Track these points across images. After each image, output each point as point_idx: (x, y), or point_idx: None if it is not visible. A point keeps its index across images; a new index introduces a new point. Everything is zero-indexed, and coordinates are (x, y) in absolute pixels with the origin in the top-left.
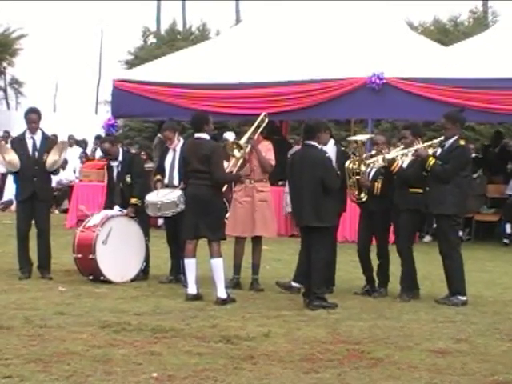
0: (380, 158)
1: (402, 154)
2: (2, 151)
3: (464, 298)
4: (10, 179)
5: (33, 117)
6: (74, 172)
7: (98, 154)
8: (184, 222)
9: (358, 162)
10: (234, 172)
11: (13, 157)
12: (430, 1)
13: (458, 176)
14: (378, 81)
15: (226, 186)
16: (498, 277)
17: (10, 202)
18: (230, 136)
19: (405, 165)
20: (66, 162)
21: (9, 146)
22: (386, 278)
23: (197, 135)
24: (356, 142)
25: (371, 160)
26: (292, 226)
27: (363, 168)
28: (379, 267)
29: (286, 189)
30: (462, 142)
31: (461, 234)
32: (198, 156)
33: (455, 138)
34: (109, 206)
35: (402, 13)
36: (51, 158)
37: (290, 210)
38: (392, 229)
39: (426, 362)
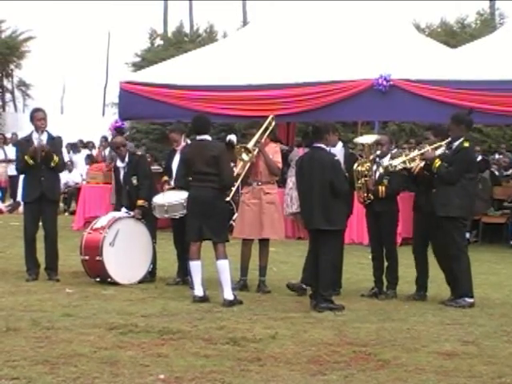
0: (399, 160)
1: (409, 159)
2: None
3: (471, 300)
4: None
5: (40, 114)
6: (81, 175)
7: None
8: (187, 224)
9: (370, 163)
10: (242, 176)
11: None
12: (437, 1)
13: (463, 178)
14: (385, 83)
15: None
16: (505, 279)
17: (17, 204)
18: (234, 138)
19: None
20: (71, 163)
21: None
22: (394, 279)
23: (200, 137)
24: (363, 144)
25: (390, 162)
26: (299, 229)
27: (373, 168)
28: (388, 269)
29: (286, 190)
30: (466, 144)
31: (468, 235)
32: (204, 158)
33: (461, 139)
34: (116, 207)
35: (409, 15)
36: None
37: (290, 211)
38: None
39: (433, 364)
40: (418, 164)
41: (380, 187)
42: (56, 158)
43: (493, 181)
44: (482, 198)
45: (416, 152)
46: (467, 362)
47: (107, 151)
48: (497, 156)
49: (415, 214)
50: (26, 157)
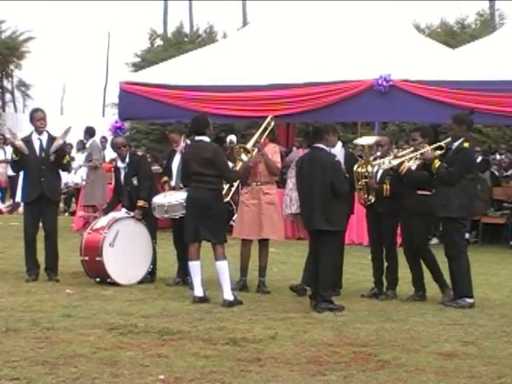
0: (387, 159)
1: (410, 158)
2: (13, 136)
3: (471, 301)
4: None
5: (40, 114)
6: (81, 176)
7: (108, 155)
8: (185, 224)
9: (366, 164)
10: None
11: (22, 144)
12: (437, 1)
13: (463, 179)
14: (384, 83)
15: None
16: (505, 279)
17: (17, 205)
18: (234, 138)
19: (414, 167)
20: (70, 164)
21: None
22: (394, 280)
23: (197, 138)
24: (362, 145)
25: (378, 161)
26: (299, 229)
27: (370, 169)
28: (388, 269)
29: (286, 191)
30: (466, 145)
31: (467, 236)
32: (198, 159)
33: (461, 140)
34: (111, 207)
35: (409, 15)
36: (55, 144)
37: (289, 211)
38: (399, 231)
39: (433, 364)
40: (406, 165)
41: (384, 186)
42: (67, 157)
43: (493, 181)
44: (481, 199)
45: (413, 153)
46: (467, 362)
47: (106, 151)
48: (498, 156)
49: (400, 214)
50: (12, 152)
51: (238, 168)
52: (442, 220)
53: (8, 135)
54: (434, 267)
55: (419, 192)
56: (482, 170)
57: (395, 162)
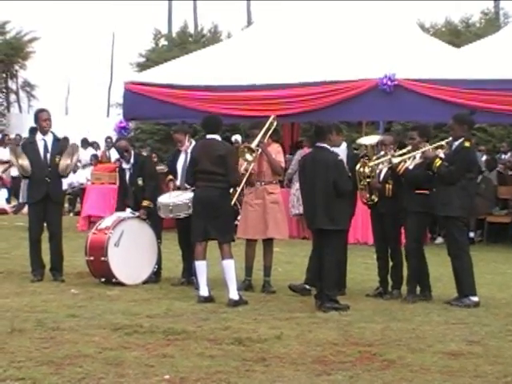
0: (386, 159)
1: (410, 157)
2: (16, 155)
3: (476, 299)
4: (25, 182)
5: (45, 114)
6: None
7: (113, 155)
8: (193, 224)
9: (368, 164)
10: (246, 176)
11: (25, 162)
12: (441, 0)
13: (463, 178)
14: (389, 82)
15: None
16: (510, 279)
17: (22, 205)
18: (239, 138)
19: (411, 166)
20: (77, 165)
21: (20, 150)
22: (399, 279)
23: (209, 136)
24: (366, 145)
25: (377, 162)
26: (304, 229)
27: (374, 170)
28: (392, 269)
29: (292, 190)
30: (466, 144)
31: (472, 235)
32: (210, 157)
33: (461, 139)
34: (120, 208)
35: (414, 14)
36: (63, 163)
37: (296, 212)
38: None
39: (439, 364)
40: (403, 165)
41: (387, 185)
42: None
43: (499, 180)
44: (485, 198)
45: (411, 152)
46: (472, 361)
47: (111, 151)
48: (503, 156)
49: (403, 214)
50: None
51: (242, 168)
52: (443, 219)
53: (12, 157)
54: (414, 269)
55: (417, 191)
56: (489, 169)
57: (396, 161)
